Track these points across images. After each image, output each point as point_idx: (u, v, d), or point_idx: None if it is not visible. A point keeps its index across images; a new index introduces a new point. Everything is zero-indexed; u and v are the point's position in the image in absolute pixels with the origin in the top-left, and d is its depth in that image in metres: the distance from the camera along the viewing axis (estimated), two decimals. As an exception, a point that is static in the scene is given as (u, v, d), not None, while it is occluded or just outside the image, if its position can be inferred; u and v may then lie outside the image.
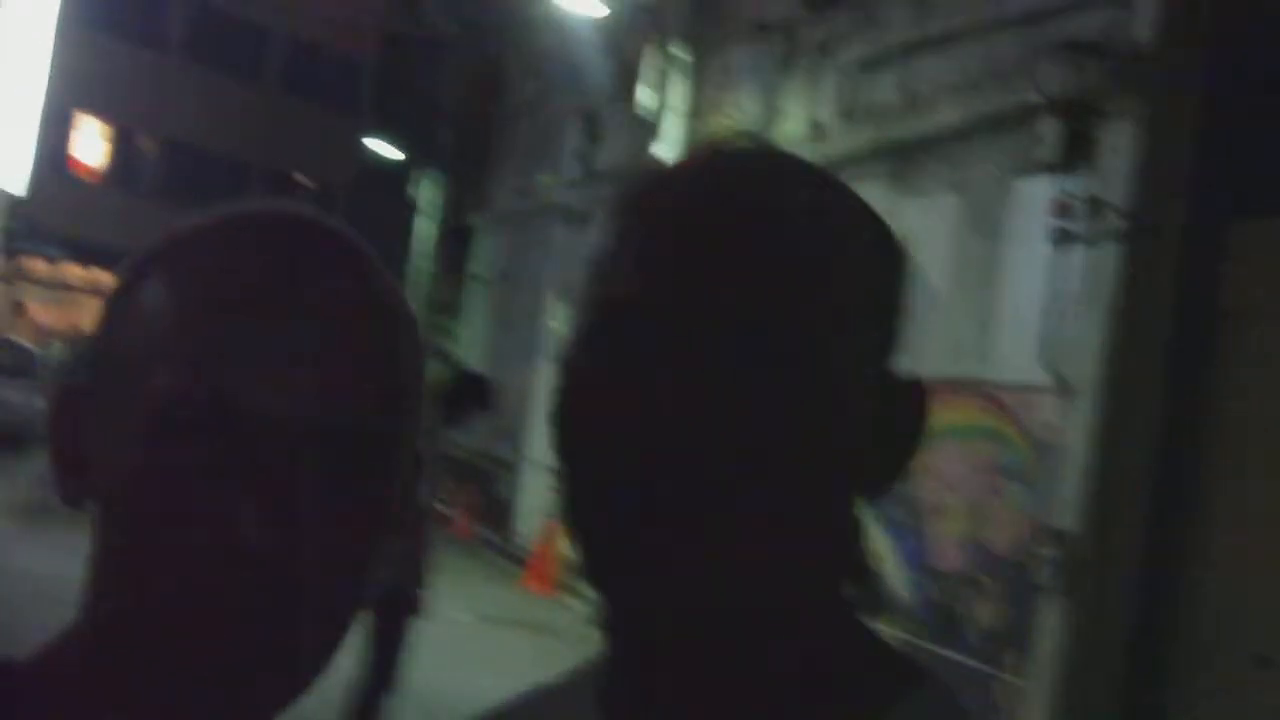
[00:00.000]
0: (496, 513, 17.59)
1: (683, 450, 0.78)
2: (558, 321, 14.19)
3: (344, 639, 0.81)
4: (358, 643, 6.39)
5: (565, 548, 14.51)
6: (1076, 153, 8.10)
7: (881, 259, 0.88)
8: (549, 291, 16.14)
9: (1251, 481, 7.05)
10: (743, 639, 0.82)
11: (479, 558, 16.15)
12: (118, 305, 0.83)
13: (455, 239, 21.84)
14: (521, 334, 17.98)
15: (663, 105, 13.27)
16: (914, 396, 0.87)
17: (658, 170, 0.90)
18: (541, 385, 16.98)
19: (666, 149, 13.05)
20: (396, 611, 6.33)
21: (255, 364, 0.76)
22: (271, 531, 0.74)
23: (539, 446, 16.80)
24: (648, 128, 13.53)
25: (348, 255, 0.83)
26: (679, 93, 13.06)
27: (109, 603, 0.79)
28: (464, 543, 16.86)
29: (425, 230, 22.65)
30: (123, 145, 32.12)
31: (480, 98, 21.05)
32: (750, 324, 0.79)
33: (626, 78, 14.88)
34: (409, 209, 23.20)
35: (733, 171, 0.86)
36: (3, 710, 0.80)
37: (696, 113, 13.08)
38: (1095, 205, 7.80)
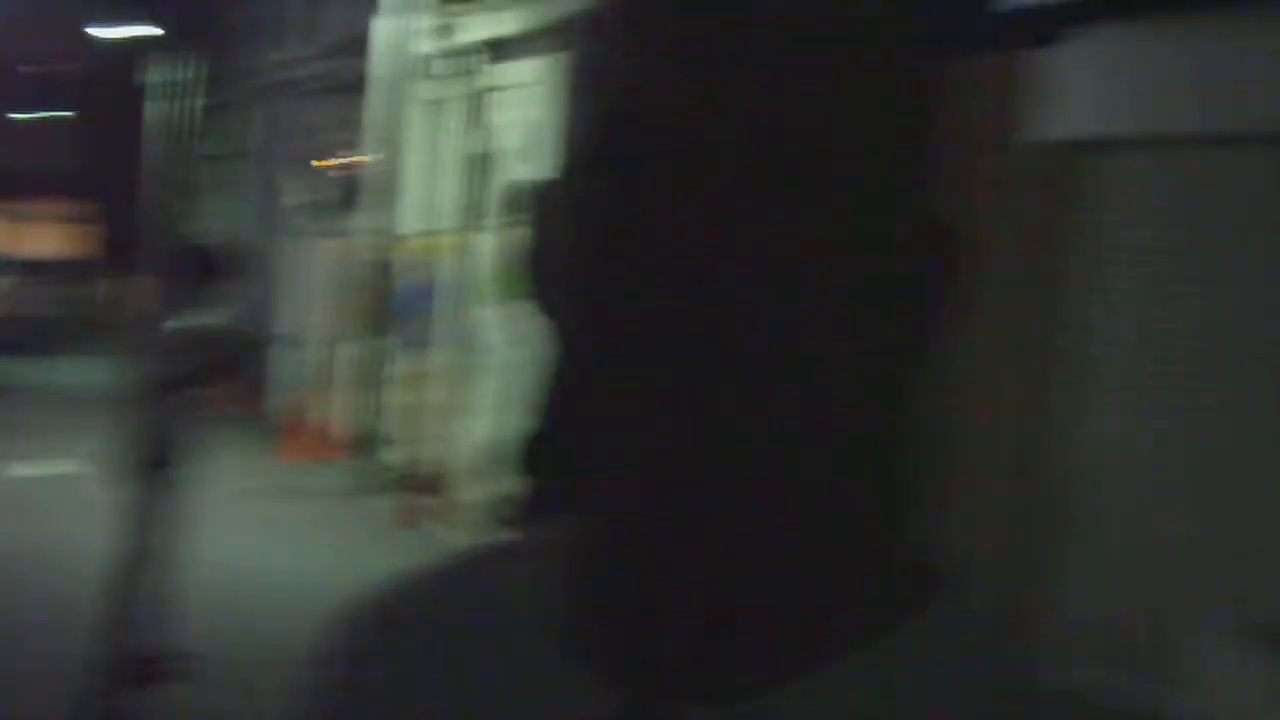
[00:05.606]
0: (250, 389, 17.70)
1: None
2: (294, 197, 14.29)
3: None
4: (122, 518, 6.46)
5: (319, 414, 14.84)
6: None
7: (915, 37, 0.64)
8: (291, 167, 16.22)
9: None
10: (758, 530, 0.61)
11: (234, 433, 16.22)
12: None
13: (197, 119, 21.55)
14: (265, 211, 18.01)
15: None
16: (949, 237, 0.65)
17: None
18: (288, 259, 17.09)
19: (388, 21, 13.24)
20: (157, 485, 6.41)
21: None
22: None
23: (289, 321, 16.96)
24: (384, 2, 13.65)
25: None
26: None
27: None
28: (218, 419, 16.89)
29: (164, 111, 22.24)
30: None
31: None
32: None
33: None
34: (146, 91, 22.72)
35: None
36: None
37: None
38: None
